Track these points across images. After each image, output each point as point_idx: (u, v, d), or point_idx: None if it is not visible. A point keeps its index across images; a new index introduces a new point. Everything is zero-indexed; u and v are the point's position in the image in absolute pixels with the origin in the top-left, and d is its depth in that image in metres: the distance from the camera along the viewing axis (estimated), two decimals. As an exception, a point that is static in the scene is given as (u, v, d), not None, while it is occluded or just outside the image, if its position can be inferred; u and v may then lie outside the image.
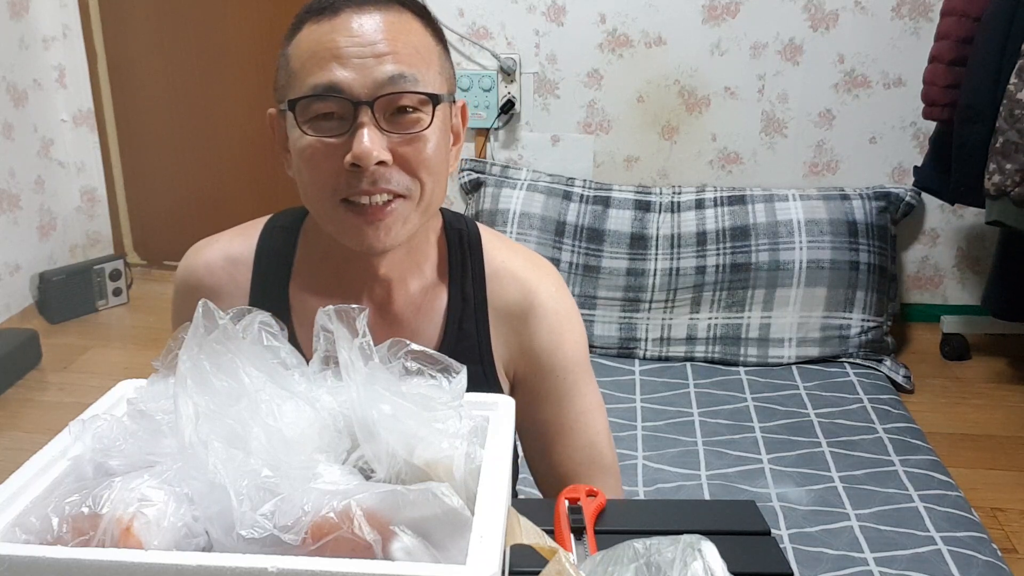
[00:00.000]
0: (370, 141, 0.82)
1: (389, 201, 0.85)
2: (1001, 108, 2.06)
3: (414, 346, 0.69)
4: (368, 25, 0.83)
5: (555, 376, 1.01)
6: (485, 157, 2.93)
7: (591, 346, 2.31)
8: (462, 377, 0.69)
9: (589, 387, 1.04)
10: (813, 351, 2.54)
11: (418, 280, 0.98)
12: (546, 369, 1.00)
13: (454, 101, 0.92)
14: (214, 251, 0.99)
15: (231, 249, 0.99)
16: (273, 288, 0.98)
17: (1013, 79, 2.03)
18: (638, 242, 2.62)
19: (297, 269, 0.99)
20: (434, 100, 0.85)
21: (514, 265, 1.01)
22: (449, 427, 0.65)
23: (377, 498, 0.58)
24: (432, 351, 0.70)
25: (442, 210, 1.01)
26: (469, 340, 0.98)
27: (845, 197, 2.66)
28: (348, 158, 0.82)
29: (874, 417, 2.19)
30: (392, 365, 0.68)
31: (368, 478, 0.65)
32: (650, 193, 2.71)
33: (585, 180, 2.79)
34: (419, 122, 0.85)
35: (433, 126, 0.86)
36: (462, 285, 0.98)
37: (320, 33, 0.84)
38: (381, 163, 0.83)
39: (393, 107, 0.84)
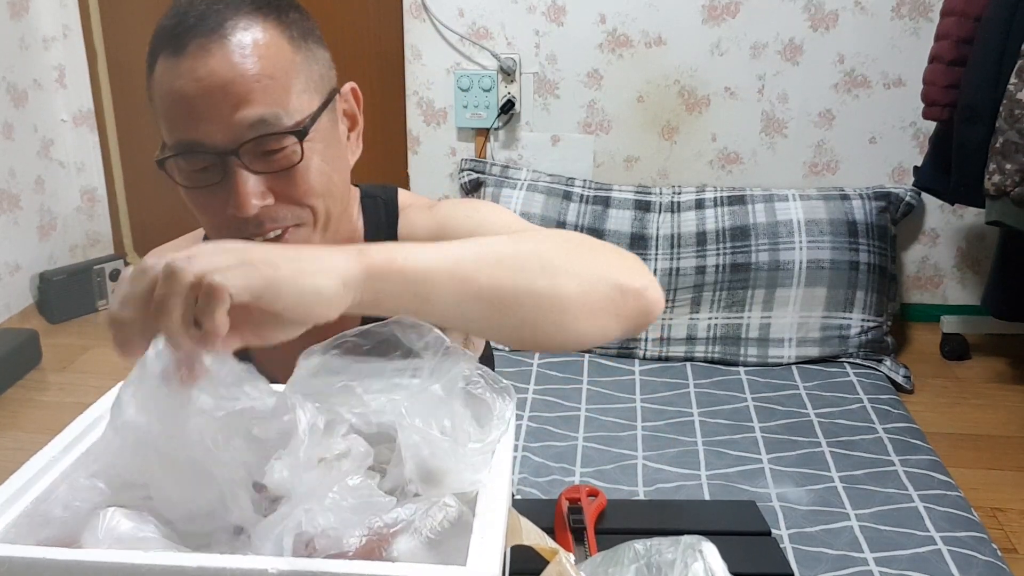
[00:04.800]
0: (245, 191, 0.79)
1: (283, 233, 0.83)
2: (1001, 108, 2.06)
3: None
4: (217, 63, 0.78)
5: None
6: (485, 157, 2.93)
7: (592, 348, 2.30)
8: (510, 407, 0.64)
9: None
10: (813, 351, 2.53)
11: None
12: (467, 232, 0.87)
13: (338, 91, 0.89)
14: (165, 253, 1.02)
15: (180, 248, 1.02)
16: None
17: (1013, 79, 2.03)
18: (638, 242, 2.62)
19: None
20: (300, 135, 0.81)
21: (422, 202, 0.99)
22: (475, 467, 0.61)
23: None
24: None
25: (360, 185, 0.99)
26: None
27: (845, 197, 2.66)
28: (229, 210, 0.80)
29: (874, 417, 2.19)
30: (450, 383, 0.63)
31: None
32: (650, 193, 2.71)
33: (585, 180, 2.79)
34: (292, 156, 0.81)
35: (309, 154, 0.82)
36: None
37: (172, 77, 0.79)
38: (265, 206, 0.81)
39: (261, 149, 0.80)
